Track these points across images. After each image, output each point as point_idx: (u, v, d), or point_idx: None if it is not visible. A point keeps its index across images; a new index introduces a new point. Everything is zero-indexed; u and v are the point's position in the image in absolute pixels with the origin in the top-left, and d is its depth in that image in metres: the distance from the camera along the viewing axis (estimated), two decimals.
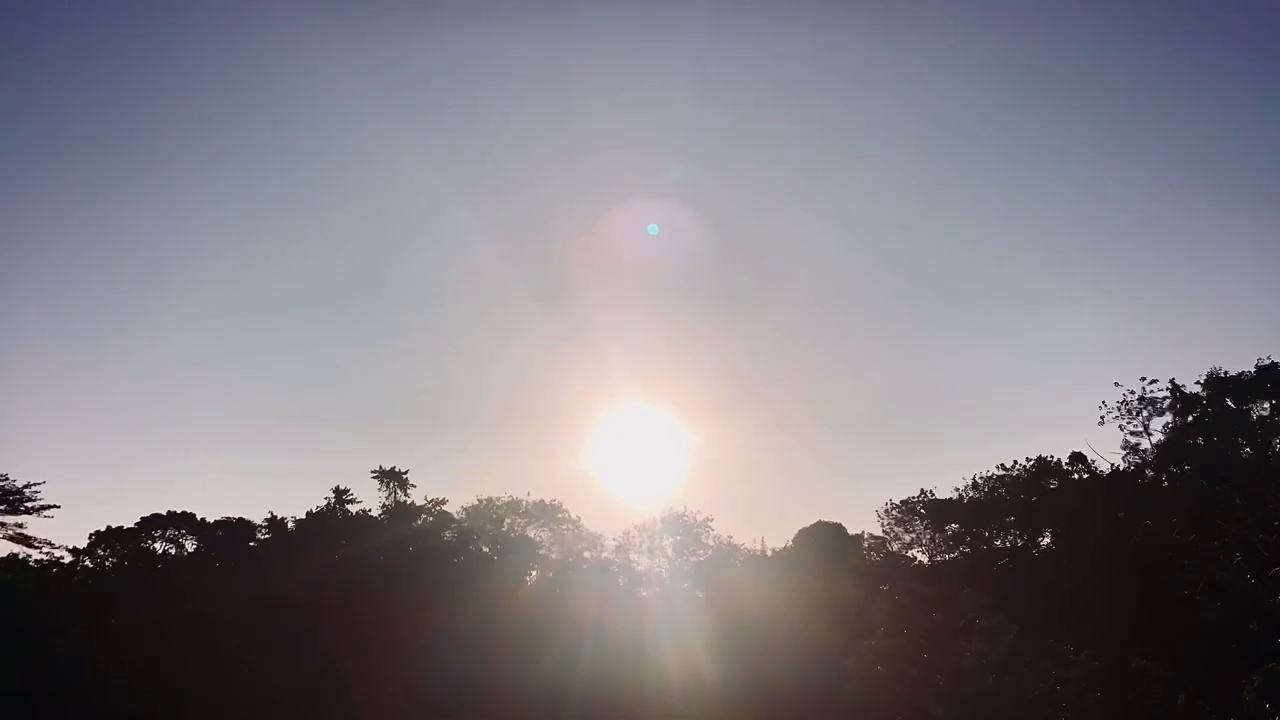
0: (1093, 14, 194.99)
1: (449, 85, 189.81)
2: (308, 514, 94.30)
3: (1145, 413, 74.18)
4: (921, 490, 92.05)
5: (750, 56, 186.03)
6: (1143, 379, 74.91)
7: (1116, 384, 75.30)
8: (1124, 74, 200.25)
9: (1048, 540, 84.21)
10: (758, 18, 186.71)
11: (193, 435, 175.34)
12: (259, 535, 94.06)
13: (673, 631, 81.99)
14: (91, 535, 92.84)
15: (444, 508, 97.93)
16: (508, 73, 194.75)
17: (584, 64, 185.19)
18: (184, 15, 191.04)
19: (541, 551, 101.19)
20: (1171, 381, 74.24)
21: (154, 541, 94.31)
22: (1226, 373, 73.71)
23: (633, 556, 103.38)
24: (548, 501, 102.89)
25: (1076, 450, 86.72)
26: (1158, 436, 74.21)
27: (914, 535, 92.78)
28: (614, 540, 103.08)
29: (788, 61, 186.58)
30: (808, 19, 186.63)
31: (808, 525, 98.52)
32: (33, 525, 76.89)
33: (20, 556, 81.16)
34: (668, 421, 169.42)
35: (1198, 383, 74.10)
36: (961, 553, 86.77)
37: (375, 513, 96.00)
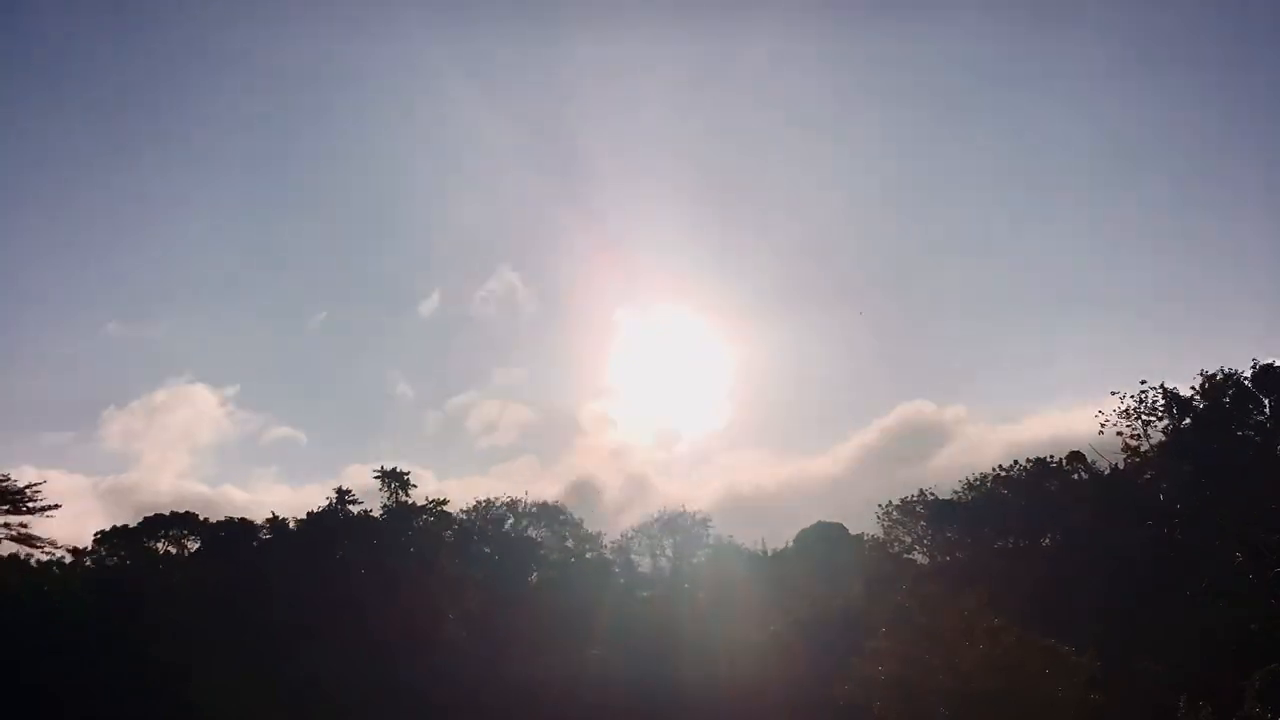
0: (1095, 11, 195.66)
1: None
2: (309, 515, 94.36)
3: (1144, 416, 74.14)
4: (921, 491, 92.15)
5: None
6: (1142, 382, 74.93)
7: (1113, 393, 75.36)
8: (1126, 73, 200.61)
9: (1048, 541, 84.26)
10: None
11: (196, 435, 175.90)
12: (261, 536, 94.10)
13: (673, 632, 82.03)
14: (95, 535, 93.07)
15: (445, 509, 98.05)
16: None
17: None
18: None
19: (542, 552, 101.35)
20: (1162, 385, 74.23)
21: (156, 542, 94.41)
22: (1226, 374, 73.69)
23: (633, 557, 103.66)
24: (548, 502, 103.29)
25: (1076, 450, 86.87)
26: (1158, 438, 74.10)
27: (914, 536, 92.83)
28: (614, 540, 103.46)
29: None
30: None
31: (808, 525, 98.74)
32: (35, 525, 76.73)
33: (23, 556, 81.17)
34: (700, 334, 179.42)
35: (1193, 388, 74.08)
36: (962, 554, 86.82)
37: (376, 513, 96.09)
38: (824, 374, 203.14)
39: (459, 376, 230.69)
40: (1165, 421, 73.90)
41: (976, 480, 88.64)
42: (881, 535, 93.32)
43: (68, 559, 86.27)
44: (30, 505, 75.26)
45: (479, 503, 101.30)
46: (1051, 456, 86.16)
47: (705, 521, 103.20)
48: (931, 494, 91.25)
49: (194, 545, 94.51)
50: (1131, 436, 74.58)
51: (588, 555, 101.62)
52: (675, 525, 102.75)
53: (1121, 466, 76.70)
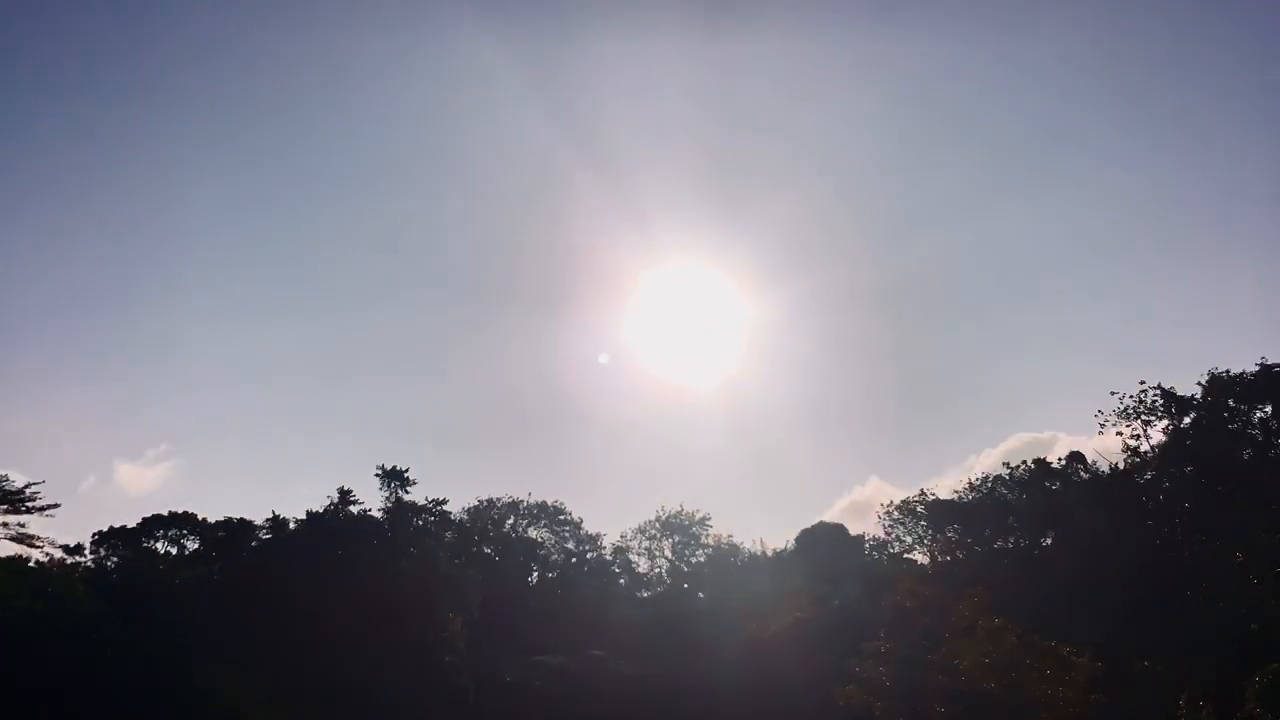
0: (1099, 13, 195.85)
1: None
2: (308, 514, 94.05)
3: (1144, 416, 74.00)
4: (923, 491, 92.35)
5: None
6: (1141, 383, 74.80)
7: (1113, 393, 75.19)
8: (1127, 75, 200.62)
9: (1049, 541, 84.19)
10: None
11: (194, 436, 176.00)
12: (260, 536, 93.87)
13: (673, 633, 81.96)
14: (94, 535, 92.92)
15: (445, 508, 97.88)
16: None
17: None
18: None
19: (542, 552, 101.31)
20: (1159, 386, 74.02)
21: (155, 542, 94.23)
22: (1229, 373, 73.49)
23: (632, 558, 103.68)
24: (548, 503, 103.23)
25: (1076, 450, 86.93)
26: (1158, 438, 74.01)
27: (915, 536, 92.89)
28: (614, 541, 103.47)
29: None
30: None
31: (809, 526, 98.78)
32: (34, 525, 76.64)
33: (21, 557, 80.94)
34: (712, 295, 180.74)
35: (1199, 384, 73.86)
36: (963, 554, 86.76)
37: (376, 513, 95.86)
38: None
39: None
40: (1165, 422, 73.78)
41: (978, 481, 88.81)
42: (882, 535, 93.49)
43: (67, 559, 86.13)
44: (29, 505, 75.18)
45: (480, 502, 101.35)
46: (1051, 456, 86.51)
47: (704, 521, 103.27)
48: (933, 494, 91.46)
49: (193, 545, 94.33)
50: (1131, 436, 74.57)
51: (588, 555, 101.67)
52: (673, 525, 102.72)
53: (1122, 467, 76.59)
